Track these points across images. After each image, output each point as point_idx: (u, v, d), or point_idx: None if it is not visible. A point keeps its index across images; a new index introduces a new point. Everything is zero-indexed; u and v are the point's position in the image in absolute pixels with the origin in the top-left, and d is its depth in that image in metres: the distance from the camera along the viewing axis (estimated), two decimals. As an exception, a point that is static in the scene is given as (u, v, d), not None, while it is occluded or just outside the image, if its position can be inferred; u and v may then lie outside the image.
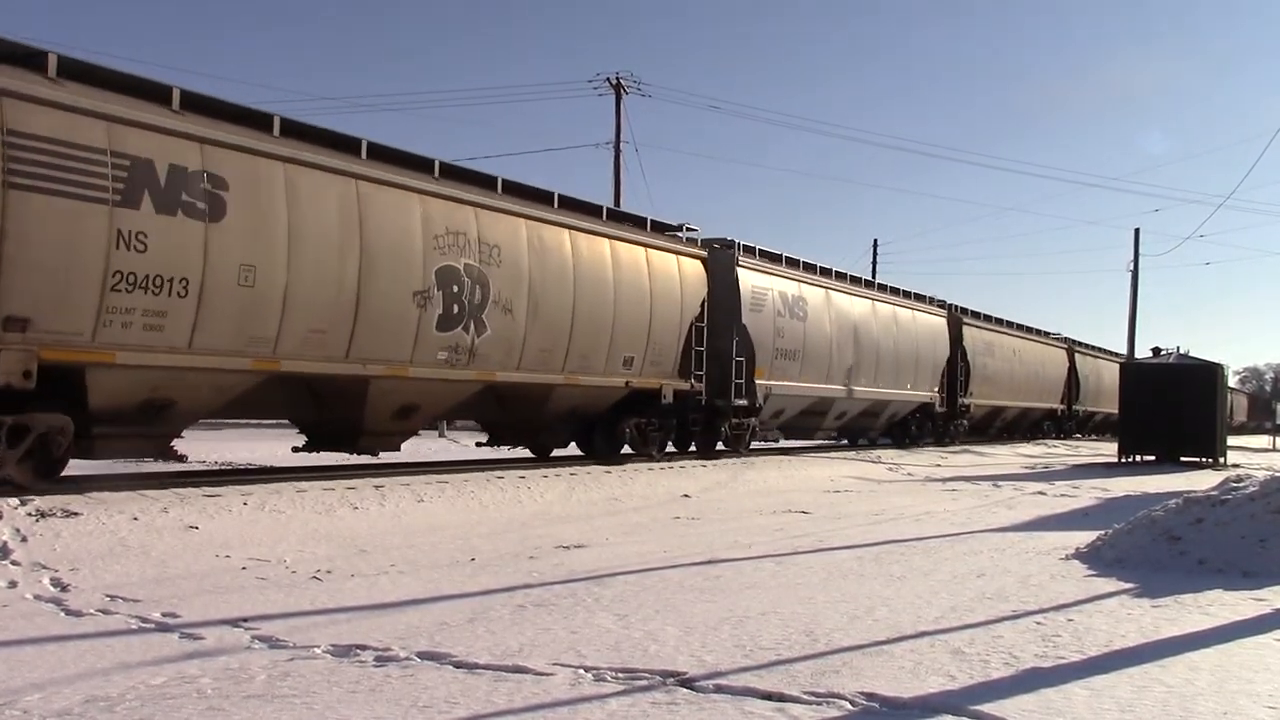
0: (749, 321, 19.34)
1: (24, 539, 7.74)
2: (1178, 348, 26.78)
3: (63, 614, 5.94)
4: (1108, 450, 28.45)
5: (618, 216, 17.44)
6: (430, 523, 10.28)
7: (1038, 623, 5.78)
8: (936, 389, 28.50)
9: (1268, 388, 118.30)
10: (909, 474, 20.02)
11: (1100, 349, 45.52)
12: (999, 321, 34.41)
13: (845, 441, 28.44)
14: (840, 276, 24.03)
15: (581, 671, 4.65)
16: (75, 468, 11.77)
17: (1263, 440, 48.36)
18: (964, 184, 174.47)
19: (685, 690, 4.38)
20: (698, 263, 18.31)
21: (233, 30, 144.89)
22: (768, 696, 4.28)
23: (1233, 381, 73.28)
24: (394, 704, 4.15)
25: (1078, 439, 40.53)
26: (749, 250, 20.36)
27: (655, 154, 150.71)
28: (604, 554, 8.49)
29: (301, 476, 12.24)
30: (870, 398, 24.70)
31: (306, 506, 10.01)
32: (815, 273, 22.82)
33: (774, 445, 25.58)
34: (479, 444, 18.18)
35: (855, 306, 24.14)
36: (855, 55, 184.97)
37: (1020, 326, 36.36)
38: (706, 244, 19.25)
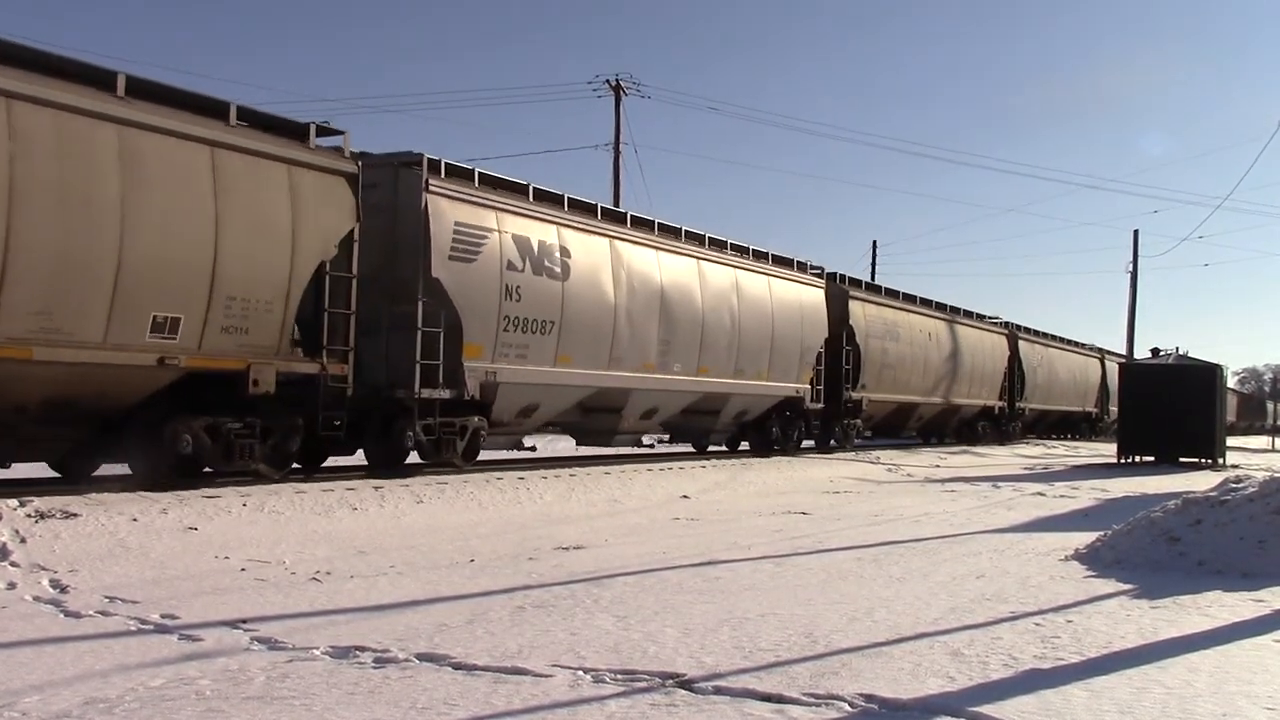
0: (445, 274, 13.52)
1: (23, 540, 7.74)
2: (1177, 348, 26.80)
3: (62, 615, 5.93)
4: (1107, 451, 28.45)
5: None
6: (429, 524, 10.28)
7: (1037, 624, 5.78)
8: (810, 380, 22.56)
9: (1266, 388, 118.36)
10: (908, 475, 20.02)
11: (1056, 337, 40.55)
12: (902, 297, 27.75)
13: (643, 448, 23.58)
14: (639, 224, 17.71)
15: (581, 673, 4.65)
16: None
17: (1261, 441, 48.40)
18: (964, 184, 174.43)
19: (684, 692, 4.38)
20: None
21: (233, 30, 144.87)
22: (767, 698, 4.28)
23: (1232, 382, 73.38)
24: (393, 705, 4.14)
25: (1027, 442, 35.69)
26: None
27: (654, 154, 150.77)
28: (603, 555, 8.49)
29: (301, 478, 12.24)
30: (697, 389, 18.85)
31: (305, 508, 10.00)
32: (590, 215, 16.60)
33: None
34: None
35: (666, 265, 17.97)
36: (855, 55, 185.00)
37: (939, 305, 29.82)
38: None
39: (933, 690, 4.39)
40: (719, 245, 19.86)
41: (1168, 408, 23.14)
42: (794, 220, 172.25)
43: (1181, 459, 23.30)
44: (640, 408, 17.81)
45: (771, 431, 22.04)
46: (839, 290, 24.36)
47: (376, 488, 11.45)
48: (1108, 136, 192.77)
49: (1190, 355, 26.35)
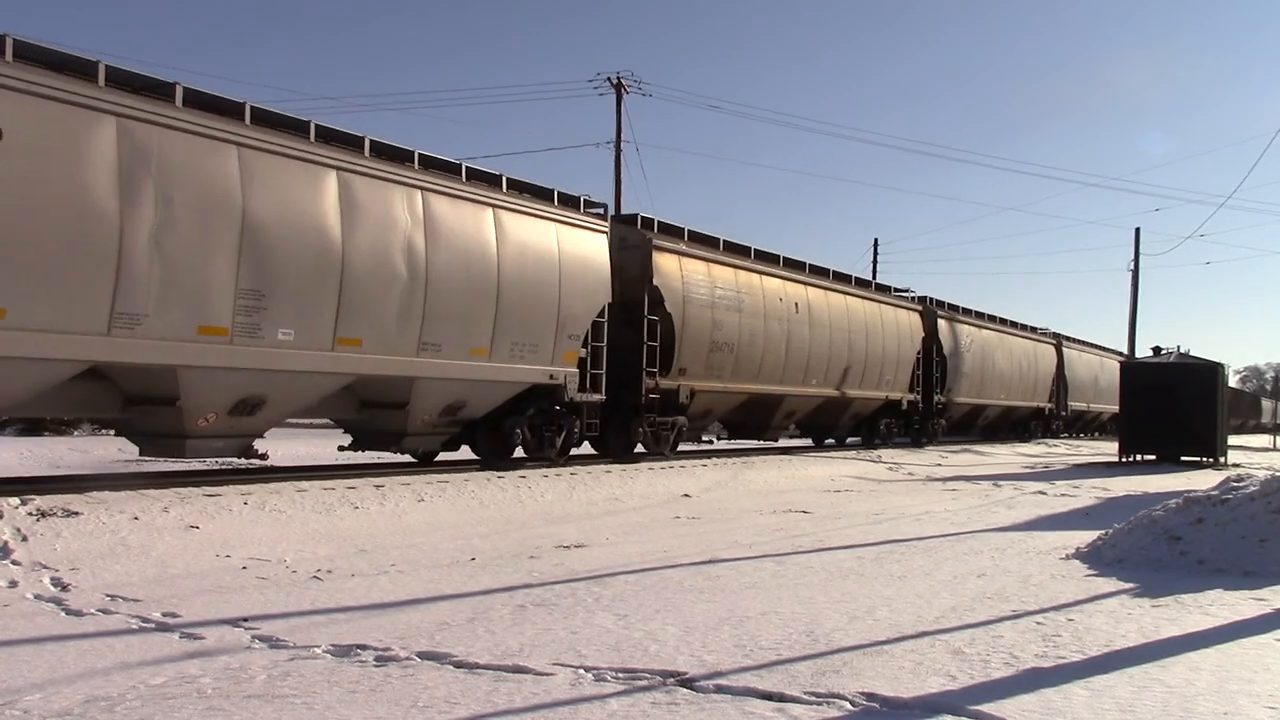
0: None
1: (24, 538, 7.75)
2: (1178, 347, 26.76)
3: (63, 614, 5.94)
4: (1108, 450, 28.43)
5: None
6: (431, 522, 10.28)
7: (1038, 622, 5.78)
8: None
9: (1268, 386, 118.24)
10: (909, 473, 20.02)
11: (994, 318, 32.82)
12: (725, 250, 20.33)
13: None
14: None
15: (582, 671, 4.65)
16: (73, 466, 11.79)
17: (1263, 439, 48.39)
18: (964, 184, 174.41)
19: (685, 690, 4.38)
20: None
21: (232, 29, 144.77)
22: (768, 696, 4.28)
23: (1233, 380, 73.28)
24: (394, 704, 4.15)
25: (957, 446, 29.43)
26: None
27: (655, 153, 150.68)
28: (604, 554, 8.49)
29: (301, 476, 12.24)
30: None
31: (307, 506, 10.01)
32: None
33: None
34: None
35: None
36: (856, 55, 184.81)
37: (807, 268, 22.66)
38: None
39: (934, 689, 4.39)
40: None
41: (1169, 406, 23.14)
42: (794, 219, 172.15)
43: (1183, 458, 23.30)
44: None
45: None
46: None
47: (377, 486, 11.45)
48: (1110, 135, 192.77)
49: (1191, 354, 26.32)
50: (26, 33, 9.36)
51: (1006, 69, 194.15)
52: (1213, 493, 8.75)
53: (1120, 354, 42.66)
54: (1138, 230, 47.61)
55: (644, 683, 4.48)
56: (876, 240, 51.66)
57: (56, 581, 6.83)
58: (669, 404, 17.60)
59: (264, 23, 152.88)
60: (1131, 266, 47.26)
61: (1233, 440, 30.00)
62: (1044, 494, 15.29)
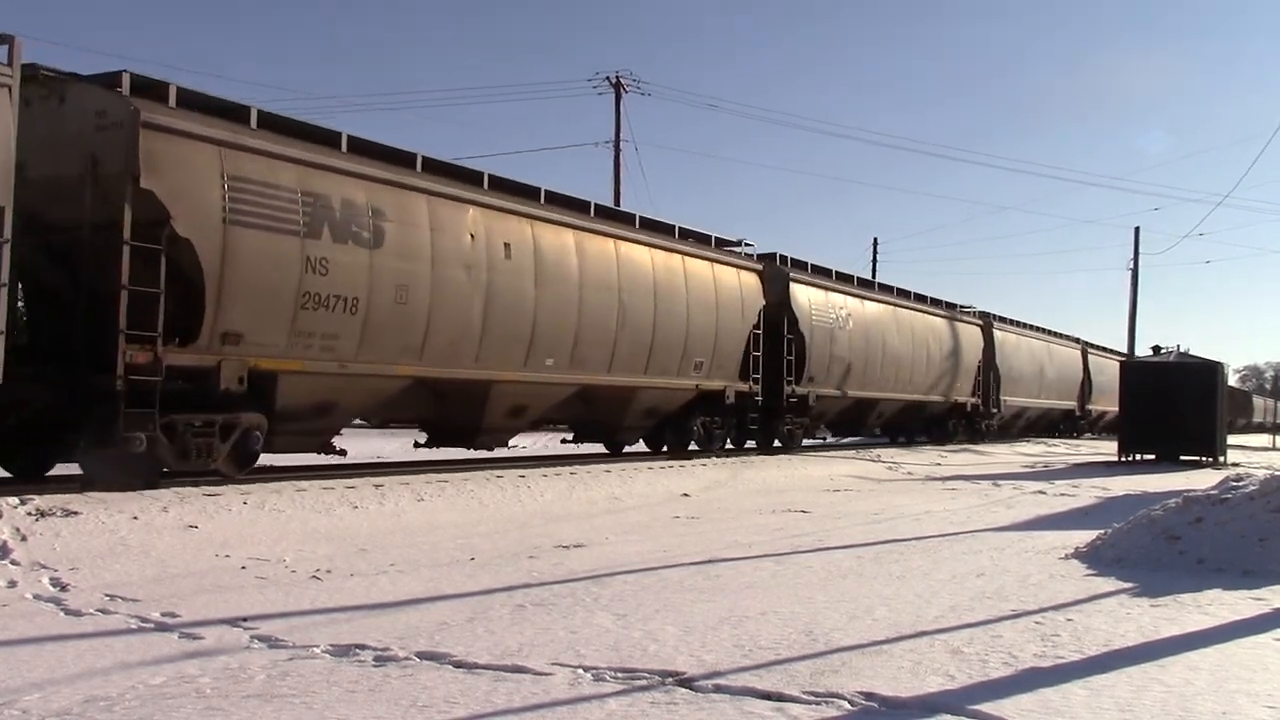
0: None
1: (24, 538, 7.75)
2: (1178, 346, 26.76)
3: (62, 613, 5.94)
4: (1107, 449, 28.44)
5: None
6: (430, 522, 10.28)
7: (1037, 622, 5.78)
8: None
9: (1268, 385, 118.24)
10: (908, 473, 20.02)
11: (863, 281, 27.33)
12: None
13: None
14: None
15: (581, 671, 4.65)
16: (70, 466, 11.79)
17: (1262, 439, 48.40)
18: (964, 183, 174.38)
19: (684, 690, 4.38)
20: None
21: (232, 28, 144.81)
22: (767, 696, 4.28)
23: (1233, 380, 73.12)
24: (393, 704, 4.15)
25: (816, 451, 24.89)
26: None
27: (655, 152, 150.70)
28: (604, 553, 8.50)
29: (301, 476, 12.24)
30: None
31: (306, 506, 10.01)
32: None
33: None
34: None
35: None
36: (856, 55, 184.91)
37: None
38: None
39: (933, 688, 4.40)
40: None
41: (1168, 406, 23.13)
42: (794, 219, 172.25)
43: (1182, 457, 23.29)
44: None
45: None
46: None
47: (377, 486, 11.45)
48: (1109, 134, 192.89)
49: (1191, 353, 26.32)
50: (26, 32, 9.34)
51: (1007, 69, 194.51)
52: (1212, 492, 8.75)
53: (1076, 340, 40.82)
54: (1137, 230, 47.73)
55: (643, 682, 4.48)
56: (876, 240, 51.54)
57: (55, 581, 6.83)
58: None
59: (263, 23, 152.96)
60: (1131, 266, 47.32)
61: (1231, 440, 29.98)
62: (1043, 493, 15.30)
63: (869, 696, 4.27)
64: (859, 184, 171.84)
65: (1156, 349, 26.56)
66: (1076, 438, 39.17)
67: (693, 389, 18.44)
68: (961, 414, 30.93)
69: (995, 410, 32.21)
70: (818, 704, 4.19)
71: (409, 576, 7.28)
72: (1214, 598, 6.57)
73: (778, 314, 20.91)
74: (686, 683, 4.47)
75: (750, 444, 21.63)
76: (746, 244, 20.87)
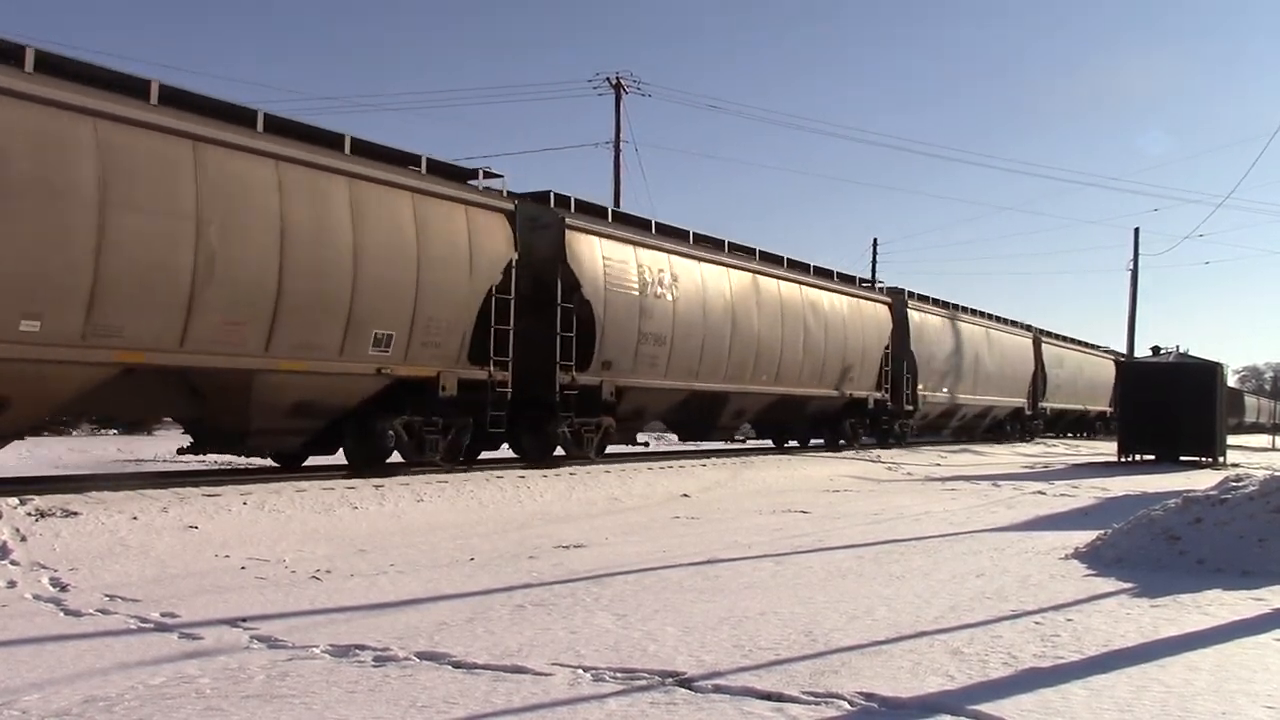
0: None
1: (23, 538, 7.75)
2: (1177, 347, 26.79)
3: (62, 614, 5.94)
4: (1107, 450, 28.44)
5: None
6: (430, 522, 10.28)
7: (1037, 622, 5.78)
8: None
9: (1267, 386, 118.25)
10: (908, 473, 20.02)
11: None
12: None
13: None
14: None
15: (580, 671, 4.65)
16: (72, 466, 11.79)
17: (1262, 439, 48.41)
18: (963, 184, 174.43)
19: (684, 690, 4.38)
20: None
21: (232, 28, 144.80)
22: (766, 696, 4.28)
23: (1232, 380, 73.09)
24: (393, 704, 4.14)
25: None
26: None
27: (655, 153, 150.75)
28: (603, 554, 8.49)
29: (301, 476, 12.24)
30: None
31: (306, 506, 10.01)
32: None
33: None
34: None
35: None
36: (856, 55, 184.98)
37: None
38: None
39: (932, 689, 4.39)
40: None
41: (1168, 406, 23.14)
42: (794, 219, 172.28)
43: (1181, 458, 23.30)
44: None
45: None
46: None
47: (377, 486, 11.45)
48: (1108, 135, 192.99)
49: (1190, 354, 26.33)
50: (25, 32, 9.23)
51: (1007, 69, 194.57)
52: (1211, 492, 8.75)
53: (1027, 328, 36.33)
54: (1137, 230, 47.66)
55: (642, 683, 4.48)
56: (876, 240, 51.53)
57: (55, 581, 6.82)
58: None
59: (263, 23, 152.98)
60: (1131, 266, 47.32)
61: (1231, 440, 29.98)
62: (1043, 494, 15.30)
63: (869, 697, 4.27)
64: (859, 184, 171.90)
65: (1156, 350, 26.60)
66: (1028, 440, 35.61)
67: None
68: (862, 411, 24.96)
69: (911, 408, 26.96)
70: (817, 704, 4.19)
71: (408, 577, 7.27)
72: (1214, 598, 6.57)
73: (548, 271, 15.32)
74: (686, 683, 4.47)
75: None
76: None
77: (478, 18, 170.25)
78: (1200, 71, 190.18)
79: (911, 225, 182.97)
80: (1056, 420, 41.45)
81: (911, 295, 27.94)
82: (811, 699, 4.25)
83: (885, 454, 24.00)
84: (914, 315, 27.41)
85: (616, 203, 32.55)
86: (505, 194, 14.65)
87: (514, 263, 14.28)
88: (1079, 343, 43.55)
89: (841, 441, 24.61)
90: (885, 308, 25.92)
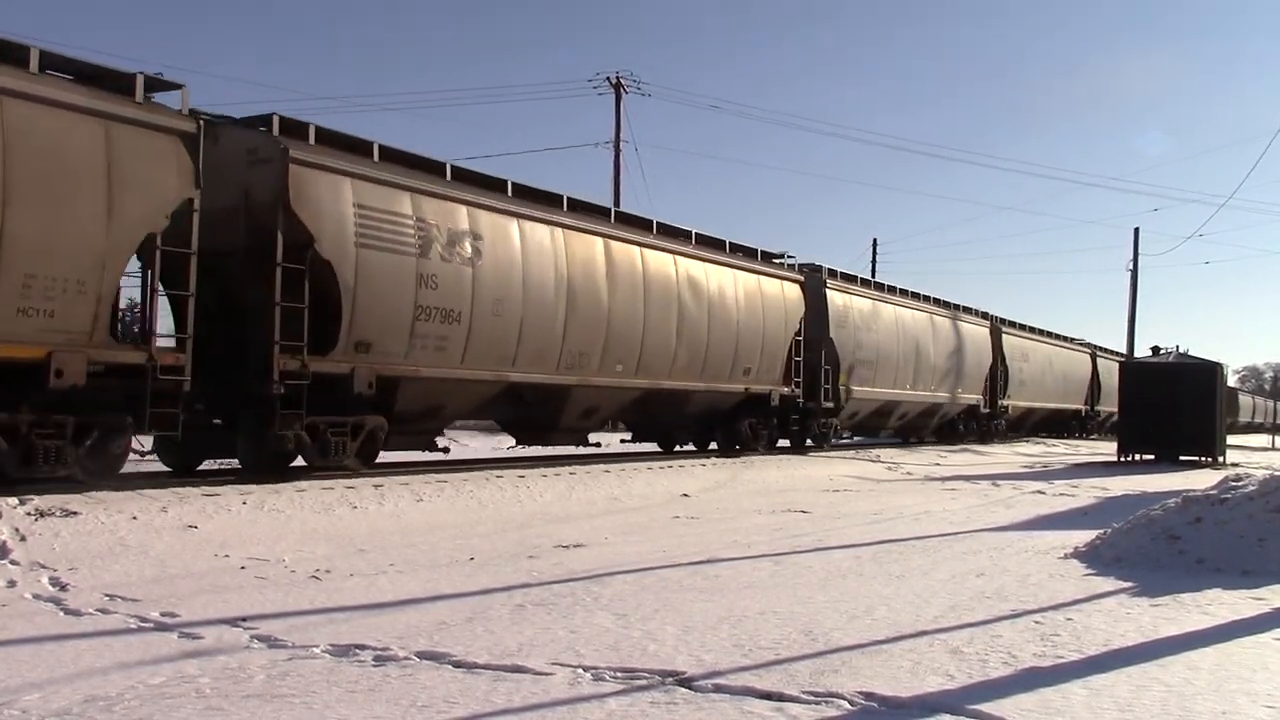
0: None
1: (23, 538, 7.75)
2: (1177, 347, 26.78)
3: (61, 613, 5.94)
4: (1106, 449, 28.45)
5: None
6: (429, 522, 10.28)
7: (1036, 622, 5.78)
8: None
9: (1267, 386, 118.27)
10: (908, 473, 20.02)
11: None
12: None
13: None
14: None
15: (580, 671, 4.65)
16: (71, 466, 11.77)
17: (1262, 439, 48.43)
18: (963, 183, 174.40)
19: (684, 690, 4.38)
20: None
21: (231, 28, 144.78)
22: (766, 696, 4.28)
23: (1232, 380, 72.96)
24: (393, 704, 4.14)
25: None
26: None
27: (655, 153, 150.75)
28: (603, 553, 8.49)
29: (301, 476, 12.24)
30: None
31: (305, 506, 10.01)
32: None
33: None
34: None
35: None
36: (855, 55, 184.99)
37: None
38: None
39: (932, 688, 4.39)
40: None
41: (1167, 406, 23.14)
42: (794, 219, 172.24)
43: (1181, 457, 23.31)
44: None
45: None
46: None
47: (376, 486, 11.45)
48: (1108, 135, 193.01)
49: (1190, 354, 26.33)
50: (27, 32, 9.01)
51: (1007, 69, 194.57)
52: (1211, 492, 8.74)
53: (984, 316, 32.68)
54: (1137, 230, 47.74)
55: (642, 682, 4.48)
56: (876, 240, 51.56)
57: (55, 581, 6.82)
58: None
59: (263, 23, 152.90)
60: (1131, 266, 47.34)
61: (1230, 440, 29.98)
62: (1042, 493, 15.30)
63: (869, 696, 4.27)
64: (859, 184, 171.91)
65: (1156, 350, 26.58)
66: (987, 442, 31.93)
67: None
68: (765, 409, 20.66)
69: (832, 404, 22.98)
70: (817, 704, 4.19)
71: (408, 576, 7.27)
72: (1213, 597, 6.57)
73: (270, 220, 12.08)
74: (686, 682, 4.47)
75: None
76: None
77: (478, 18, 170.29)
78: (1200, 71, 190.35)
79: (911, 225, 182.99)
80: (1022, 420, 37.12)
81: (833, 274, 23.59)
82: (812, 698, 4.25)
83: (885, 454, 23.99)
84: (834, 297, 23.18)
85: (616, 203, 32.46)
86: (185, 112, 10.68)
87: (195, 203, 10.63)
88: (1048, 334, 39.29)
89: (739, 446, 20.06)
90: (796, 288, 21.42)
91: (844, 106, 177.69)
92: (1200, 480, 13.35)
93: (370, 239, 12.27)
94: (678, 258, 17.99)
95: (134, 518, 8.61)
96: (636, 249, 16.93)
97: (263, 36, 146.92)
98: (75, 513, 8.43)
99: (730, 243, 20.10)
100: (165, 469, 12.60)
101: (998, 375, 33.04)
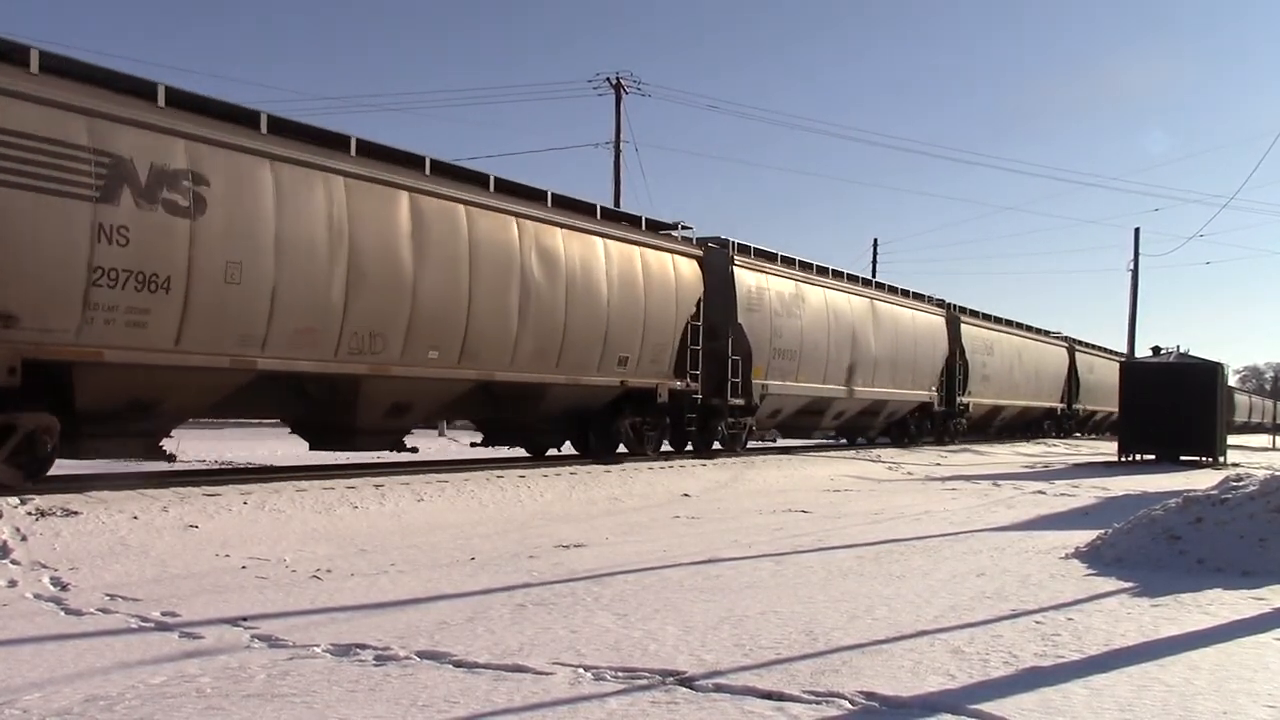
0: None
1: (24, 538, 7.74)
2: (1178, 347, 26.77)
3: (62, 613, 5.94)
4: (1107, 449, 28.45)
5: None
6: (430, 522, 10.28)
7: (1037, 622, 5.78)
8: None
9: (1268, 386, 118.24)
10: (909, 473, 20.01)
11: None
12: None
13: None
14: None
15: (581, 670, 4.65)
16: (76, 466, 11.79)
17: (1262, 439, 48.43)
18: (964, 183, 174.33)
19: (685, 689, 4.38)
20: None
21: (231, 28, 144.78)
22: (767, 695, 4.28)
23: (1233, 380, 72.97)
24: (393, 703, 4.14)
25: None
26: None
27: (655, 153, 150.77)
28: (604, 553, 8.49)
29: (301, 476, 12.24)
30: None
31: (306, 506, 10.01)
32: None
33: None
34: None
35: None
36: (855, 55, 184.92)
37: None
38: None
39: (933, 688, 4.39)
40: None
41: (1168, 406, 23.14)
42: (794, 219, 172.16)
43: (1182, 457, 23.31)
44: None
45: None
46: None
47: (377, 486, 11.45)
48: (1109, 135, 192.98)
49: (1191, 354, 26.33)
50: (28, 31, 8.97)
51: (1007, 69, 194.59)
52: (1212, 492, 8.74)
53: (941, 304, 29.62)
54: (1137, 230, 47.67)
55: (643, 682, 4.48)
56: (876, 240, 51.52)
57: (56, 581, 6.82)
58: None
59: (263, 23, 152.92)
60: (1131, 266, 47.33)
61: (1231, 440, 29.97)
62: (1043, 493, 15.30)
63: (869, 696, 4.27)
64: (859, 184, 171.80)
65: (1156, 350, 26.58)
66: (944, 444, 29.12)
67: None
68: (649, 407, 17.49)
69: (742, 401, 19.72)
70: (818, 703, 4.19)
71: (409, 576, 7.27)
72: (1214, 597, 6.57)
73: None
74: (687, 682, 4.47)
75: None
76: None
77: (478, 18, 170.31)
78: (1202, 71, 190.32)
79: (911, 225, 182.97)
80: (988, 419, 33.45)
81: (744, 250, 20.36)
82: (812, 698, 4.25)
83: (885, 454, 23.99)
84: (744, 277, 19.65)
85: (616, 203, 32.47)
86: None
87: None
88: (1017, 325, 35.49)
89: (623, 449, 17.27)
90: (692, 264, 18.00)
91: (844, 106, 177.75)
92: (1201, 480, 13.36)
93: (7, 171, 9.05)
94: (522, 221, 14.41)
95: (135, 517, 8.61)
96: (460, 208, 13.41)
97: (262, 36, 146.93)
98: (76, 512, 8.43)
99: (602, 207, 16.59)
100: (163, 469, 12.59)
101: (955, 369, 29.48)
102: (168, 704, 4.11)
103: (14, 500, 8.53)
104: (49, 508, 8.46)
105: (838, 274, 23.87)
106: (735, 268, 19.48)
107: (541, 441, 17.58)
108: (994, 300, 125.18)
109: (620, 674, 4.60)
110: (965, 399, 30.25)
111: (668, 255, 17.53)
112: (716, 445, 19.62)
